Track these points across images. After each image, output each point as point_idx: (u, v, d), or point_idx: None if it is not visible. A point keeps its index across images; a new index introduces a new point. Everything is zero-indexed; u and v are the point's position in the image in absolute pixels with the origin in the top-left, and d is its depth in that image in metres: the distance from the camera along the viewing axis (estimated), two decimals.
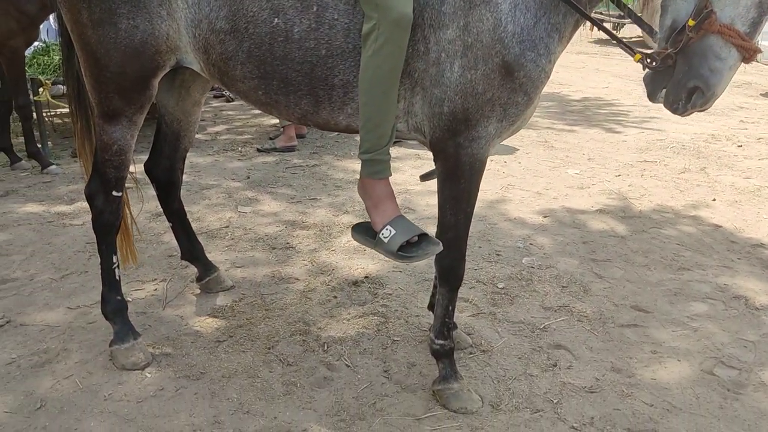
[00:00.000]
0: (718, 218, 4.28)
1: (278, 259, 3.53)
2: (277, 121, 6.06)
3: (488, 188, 4.66)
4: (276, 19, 2.08)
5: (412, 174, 4.94)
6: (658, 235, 3.98)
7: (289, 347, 2.71)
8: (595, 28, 2.10)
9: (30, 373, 2.50)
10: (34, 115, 5.09)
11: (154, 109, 2.78)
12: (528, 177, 5.07)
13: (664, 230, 4.06)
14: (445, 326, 2.39)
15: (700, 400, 2.45)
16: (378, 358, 2.66)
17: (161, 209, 3.02)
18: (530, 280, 3.35)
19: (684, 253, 3.73)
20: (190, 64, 2.33)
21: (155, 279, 3.28)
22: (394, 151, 2.32)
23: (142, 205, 3.47)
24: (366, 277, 3.34)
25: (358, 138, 2.17)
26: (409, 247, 2.12)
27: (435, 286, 2.69)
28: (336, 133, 5.74)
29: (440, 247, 2.13)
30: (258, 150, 5.63)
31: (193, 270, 3.18)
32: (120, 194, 2.54)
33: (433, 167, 2.42)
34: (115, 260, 2.60)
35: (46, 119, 5.51)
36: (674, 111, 1.94)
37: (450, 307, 2.38)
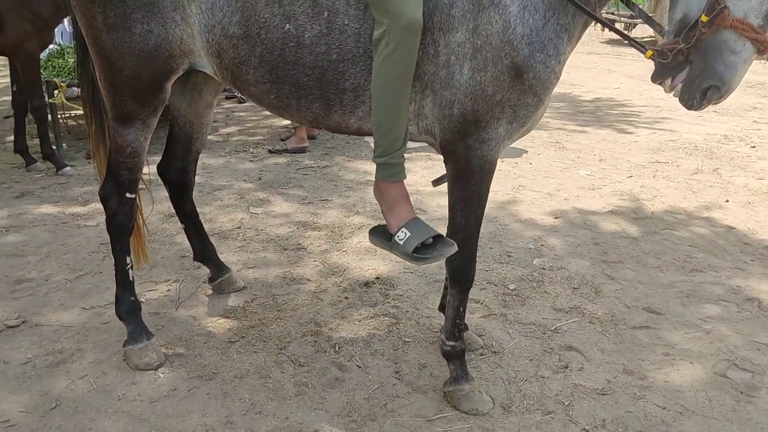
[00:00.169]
0: (731, 220, 4.26)
1: (290, 260, 3.55)
2: (289, 122, 6.08)
3: (499, 189, 4.66)
4: (287, 24, 2.09)
5: (423, 175, 4.95)
6: (671, 236, 3.97)
7: (301, 348, 2.72)
8: (606, 28, 2.10)
9: (45, 373, 2.53)
10: (49, 117, 5.13)
11: (167, 111, 2.80)
12: (539, 178, 5.06)
13: (677, 231, 4.04)
14: (456, 327, 2.39)
15: (713, 403, 2.44)
16: (389, 359, 2.67)
17: (174, 210, 3.04)
18: (541, 281, 3.35)
19: (696, 254, 3.72)
20: (203, 67, 2.35)
21: (168, 280, 3.30)
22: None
23: (153, 206, 3.50)
24: (377, 278, 3.35)
25: (368, 139, 2.18)
26: (424, 249, 2.13)
27: (446, 288, 2.70)
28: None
29: (455, 248, 2.14)
30: (269, 151, 5.66)
31: (205, 271, 3.21)
32: (133, 196, 2.56)
33: (445, 171, 2.43)
34: (128, 261, 2.62)
35: (61, 121, 5.56)
36: (689, 108, 1.98)
37: (461, 309, 2.39)
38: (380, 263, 3.50)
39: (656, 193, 4.73)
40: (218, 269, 3.14)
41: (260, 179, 4.92)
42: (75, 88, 5.24)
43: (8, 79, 5.21)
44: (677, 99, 2.01)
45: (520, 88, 2.03)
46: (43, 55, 5.16)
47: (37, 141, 5.04)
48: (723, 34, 1.83)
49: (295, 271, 3.41)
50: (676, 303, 3.17)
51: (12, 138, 5.12)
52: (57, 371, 2.54)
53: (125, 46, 2.25)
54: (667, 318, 3.03)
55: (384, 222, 2.25)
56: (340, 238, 3.85)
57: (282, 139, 5.89)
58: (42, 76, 4.95)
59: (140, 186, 2.63)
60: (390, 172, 2.17)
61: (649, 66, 2.02)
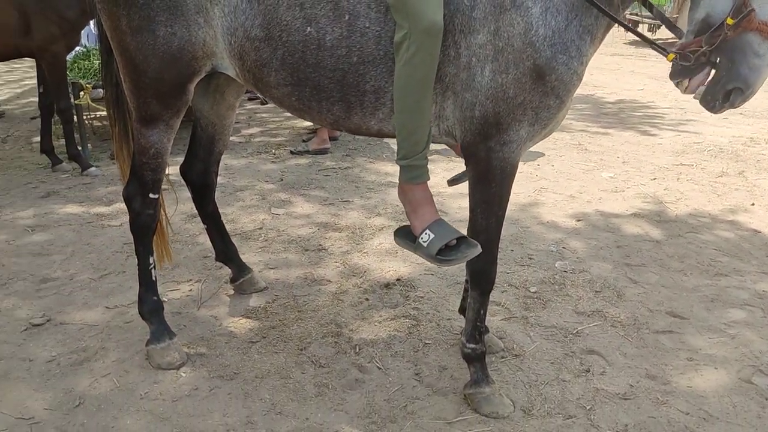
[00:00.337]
0: (756, 223, 4.19)
1: (311, 261, 3.56)
2: (310, 123, 6.10)
3: (521, 191, 4.64)
4: (309, 27, 2.10)
5: (445, 177, 4.90)
6: (695, 239, 3.92)
7: (321, 349, 2.73)
8: (628, 31, 2.09)
9: (69, 371, 2.56)
10: (75, 118, 5.20)
11: (190, 112, 2.83)
12: (561, 180, 5.03)
13: (701, 235, 3.99)
14: (476, 330, 2.39)
15: (738, 409, 2.41)
16: (409, 360, 2.67)
17: (196, 211, 3.07)
18: (563, 284, 3.33)
19: (721, 258, 3.67)
20: (226, 69, 2.37)
21: (190, 280, 3.33)
22: None
23: (176, 206, 3.53)
24: (398, 279, 3.35)
25: (390, 140, 2.19)
26: (448, 251, 2.12)
27: (466, 290, 2.69)
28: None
29: (478, 250, 2.14)
30: (291, 152, 5.68)
31: (227, 271, 3.23)
32: (157, 196, 2.59)
33: (461, 171, 2.43)
34: (151, 261, 2.65)
35: (87, 122, 5.63)
36: (710, 109, 1.96)
37: (481, 311, 2.38)
38: (401, 265, 3.50)
39: (680, 196, 4.68)
40: (240, 270, 3.16)
41: (282, 180, 4.94)
42: (100, 90, 5.30)
43: (35, 81, 5.29)
44: (698, 100, 2.00)
45: (542, 90, 2.02)
46: (69, 57, 5.23)
47: (63, 142, 5.11)
48: (748, 36, 1.82)
49: (316, 272, 3.42)
50: (700, 307, 3.13)
51: (38, 138, 5.19)
52: (81, 369, 2.57)
53: (149, 49, 2.28)
54: (691, 322, 3.00)
55: (408, 223, 2.25)
56: (361, 240, 3.85)
57: (304, 141, 5.92)
58: (68, 78, 5.02)
59: (164, 186, 2.66)
60: (413, 174, 2.17)
61: None
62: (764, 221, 4.22)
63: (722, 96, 1.91)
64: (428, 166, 2.20)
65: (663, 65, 2.04)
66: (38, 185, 4.74)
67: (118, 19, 2.29)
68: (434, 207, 2.22)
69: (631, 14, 12.59)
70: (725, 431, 2.29)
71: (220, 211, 3.10)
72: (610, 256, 3.67)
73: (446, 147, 4.62)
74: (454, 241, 2.14)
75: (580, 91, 2.09)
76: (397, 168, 2.22)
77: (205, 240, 3.43)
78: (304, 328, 2.89)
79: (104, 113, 5.16)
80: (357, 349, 2.73)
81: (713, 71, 1.96)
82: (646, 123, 7.06)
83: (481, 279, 2.32)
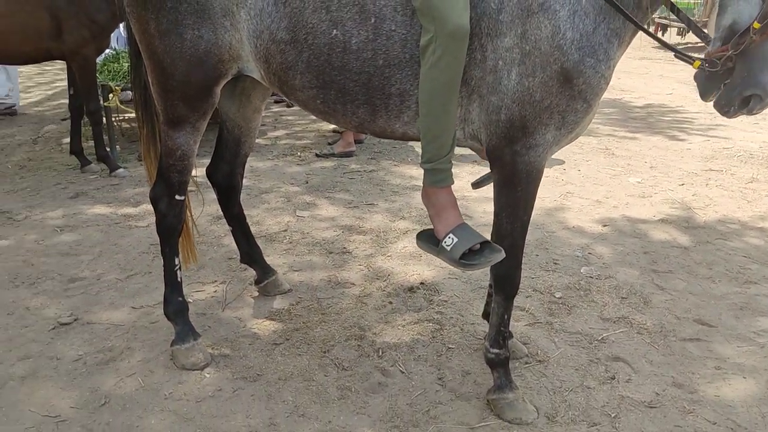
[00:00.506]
0: None
1: (335, 264, 3.57)
2: (336, 126, 6.12)
3: (546, 196, 4.61)
4: (335, 30, 2.11)
5: (469, 180, 4.89)
6: (724, 246, 3.85)
7: (345, 352, 2.73)
8: (652, 38, 2.06)
9: (95, 370, 2.59)
10: (104, 120, 5.27)
11: (217, 114, 2.85)
12: (587, 185, 4.98)
13: (730, 242, 3.92)
14: (500, 335, 2.37)
15: (767, 420, 2.36)
16: (432, 365, 2.66)
17: (222, 213, 3.09)
18: (588, 290, 3.29)
19: (750, 265, 3.60)
20: (251, 72, 2.38)
21: (215, 281, 3.35)
22: None
23: (203, 207, 3.55)
24: (422, 283, 3.34)
25: (415, 144, 2.19)
26: (471, 255, 2.12)
27: (490, 295, 2.68)
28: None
29: (502, 255, 2.13)
30: (316, 155, 5.70)
31: (251, 273, 3.24)
32: (183, 198, 2.61)
33: (485, 173, 2.42)
34: (177, 262, 2.67)
35: (115, 124, 5.70)
36: (724, 114, 1.92)
37: (505, 316, 2.36)
38: (425, 268, 3.49)
39: (709, 202, 4.60)
40: (264, 272, 3.18)
41: (307, 183, 4.96)
42: (129, 92, 5.37)
43: (66, 83, 5.37)
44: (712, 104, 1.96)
45: (569, 94, 2.01)
46: (99, 60, 5.30)
47: (92, 143, 5.18)
48: None
49: (339, 275, 3.43)
50: (728, 315, 3.08)
51: (68, 140, 5.27)
52: (107, 369, 2.60)
53: (176, 52, 2.30)
54: (719, 330, 2.95)
55: (431, 227, 2.25)
56: (386, 243, 3.85)
57: (329, 143, 5.93)
58: (97, 80, 5.09)
59: (190, 188, 2.68)
60: (437, 177, 2.16)
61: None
62: None
63: (739, 102, 1.86)
64: (452, 170, 2.19)
65: (692, 69, 2.00)
66: (67, 186, 4.81)
67: (147, 23, 2.32)
68: (458, 211, 2.21)
69: (660, 18, 12.46)
70: None
71: (246, 213, 3.12)
72: (637, 262, 3.62)
73: (471, 151, 4.57)
74: (478, 246, 2.12)
75: (607, 95, 2.06)
76: (422, 171, 2.21)
77: (230, 242, 3.46)
78: (328, 330, 2.89)
79: (133, 115, 5.23)
80: (380, 353, 2.73)
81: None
82: (675, 127, 6.97)
83: (505, 284, 2.31)
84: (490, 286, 2.62)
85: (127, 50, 5.11)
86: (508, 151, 2.11)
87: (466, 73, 2.05)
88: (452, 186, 2.21)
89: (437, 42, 1.93)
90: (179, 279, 2.68)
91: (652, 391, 2.50)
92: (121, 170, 5.06)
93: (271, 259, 3.42)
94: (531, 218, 2.26)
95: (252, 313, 3.05)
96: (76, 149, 5.15)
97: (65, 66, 5.16)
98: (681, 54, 2.03)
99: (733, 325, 2.99)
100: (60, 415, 2.33)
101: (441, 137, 2.09)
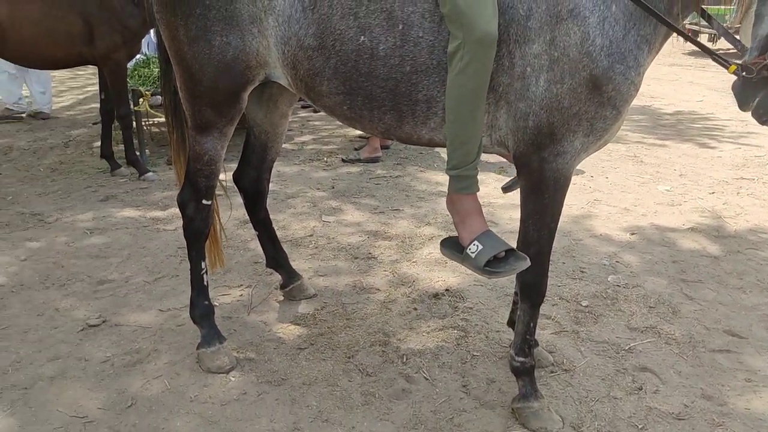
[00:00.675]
0: None
1: (360, 269, 3.57)
2: (362, 132, 6.13)
3: (573, 203, 4.56)
4: (362, 36, 2.11)
5: (495, 187, 4.89)
6: (755, 256, 3.78)
7: (369, 357, 2.73)
8: (687, 41, 2.03)
9: (122, 372, 2.62)
10: (134, 124, 5.34)
11: (244, 119, 2.88)
12: (615, 192, 4.93)
13: (761, 252, 3.85)
14: (526, 343, 2.35)
15: None
16: (457, 372, 2.65)
17: (248, 217, 3.11)
18: (616, 298, 3.25)
19: None
20: (278, 78, 2.40)
21: (241, 285, 3.38)
22: None
23: (231, 212, 3.58)
24: (447, 290, 3.33)
25: (441, 150, 2.18)
26: (496, 263, 2.10)
27: (515, 302, 2.66)
28: None
29: (528, 263, 2.11)
30: (343, 160, 5.72)
31: (277, 277, 3.26)
32: (210, 203, 2.64)
33: (514, 177, 2.41)
34: (203, 266, 2.70)
35: (145, 128, 5.78)
36: (763, 123, 1.90)
37: (531, 324, 2.34)
38: (450, 275, 3.48)
39: (740, 211, 4.52)
40: (290, 276, 3.19)
41: (333, 188, 4.98)
42: (159, 97, 5.44)
43: (97, 88, 5.46)
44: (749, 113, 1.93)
45: (598, 101, 1.99)
46: (129, 65, 5.38)
47: (122, 147, 5.26)
48: None
49: (365, 281, 3.43)
50: (759, 326, 3.02)
51: (99, 143, 5.35)
52: (134, 371, 2.63)
53: (205, 58, 2.33)
54: (750, 342, 2.89)
55: (456, 233, 2.24)
56: (411, 249, 3.84)
57: (355, 149, 5.95)
58: (128, 85, 5.17)
59: (218, 192, 2.71)
60: (463, 184, 2.15)
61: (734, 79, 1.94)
62: None
63: None
64: (478, 177, 2.18)
65: (723, 76, 1.98)
66: (97, 189, 4.88)
67: (176, 29, 2.35)
68: (483, 218, 2.20)
69: (690, 24, 12.29)
70: None
71: (272, 217, 3.14)
72: (666, 271, 3.57)
73: (499, 159, 4.54)
74: (503, 253, 2.11)
75: (636, 101, 2.04)
76: (448, 177, 2.21)
77: (256, 246, 3.48)
78: (352, 336, 2.89)
79: (162, 120, 5.31)
80: (404, 359, 2.72)
81: None
82: (705, 135, 6.87)
83: (531, 291, 2.29)
84: (516, 293, 2.60)
85: (157, 56, 5.20)
86: (536, 158, 2.09)
87: (493, 79, 2.04)
88: (478, 192, 2.20)
89: (465, 48, 1.93)
90: (206, 283, 2.71)
91: (681, 403, 2.46)
92: (150, 174, 5.13)
93: (296, 263, 3.43)
94: (558, 225, 2.24)
95: (277, 318, 3.06)
96: (106, 153, 5.23)
97: (97, 71, 5.25)
98: (718, 57, 2.00)
99: (764, 336, 2.93)
100: (87, 415, 2.36)
101: (467, 144, 2.08)
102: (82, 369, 2.64)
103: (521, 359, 2.36)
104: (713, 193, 4.93)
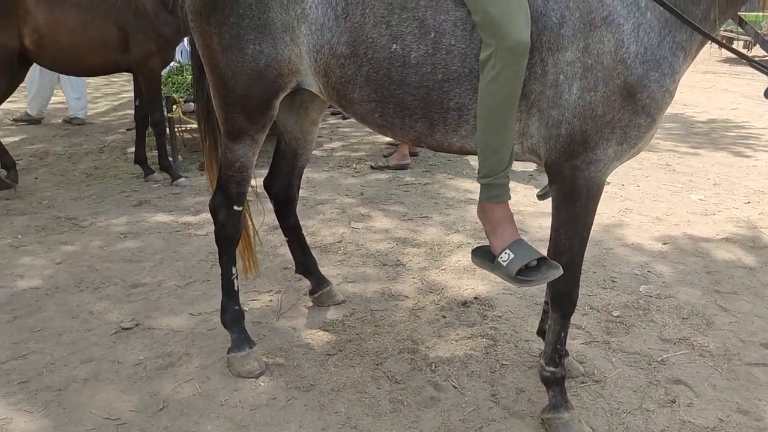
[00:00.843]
0: None
1: (388, 276, 3.57)
2: (391, 139, 6.14)
3: (604, 211, 4.51)
4: (394, 44, 2.12)
5: (525, 195, 4.87)
6: None
7: (397, 365, 2.73)
8: (724, 49, 2.01)
9: (155, 375, 2.65)
10: (167, 130, 5.42)
11: (274, 125, 2.90)
12: (647, 201, 4.86)
13: None
14: (556, 353, 2.33)
15: None
16: (486, 381, 2.63)
17: (278, 223, 3.14)
18: (648, 309, 3.21)
19: None
20: (310, 86, 2.41)
21: (271, 290, 3.40)
22: None
23: (263, 218, 3.61)
24: (475, 298, 3.31)
25: (470, 157, 2.18)
26: (528, 271, 2.09)
27: (545, 311, 2.64)
28: None
29: (560, 272, 2.10)
30: (372, 167, 5.74)
31: (306, 283, 3.28)
32: (241, 209, 2.66)
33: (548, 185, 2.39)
34: (234, 271, 2.72)
35: (177, 134, 5.86)
36: None
37: (562, 334, 2.32)
38: (479, 283, 3.47)
39: None
40: (319, 282, 3.21)
41: (362, 194, 4.99)
42: (191, 103, 5.52)
43: (131, 94, 5.55)
44: None
45: (632, 108, 1.97)
46: (163, 72, 5.46)
47: (155, 152, 5.34)
48: None
49: (393, 287, 3.43)
50: None
51: (133, 149, 5.44)
52: (165, 374, 2.66)
53: (238, 66, 2.35)
54: None
55: (487, 242, 2.23)
56: (439, 256, 3.84)
57: (384, 156, 5.96)
58: (162, 92, 5.25)
59: (250, 198, 2.73)
60: (494, 192, 2.15)
61: None
62: None
63: None
64: (509, 185, 2.17)
65: (759, 84, 1.95)
66: (131, 194, 4.96)
67: (210, 38, 2.38)
68: (514, 226, 2.19)
69: (725, 31, 12.11)
70: None
71: (301, 223, 3.15)
72: (699, 282, 3.52)
73: (526, 167, 4.49)
74: (535, 262, 2.10)
75: (668, 109, 2.01)
76: (477, 185, 2.20)
77: (285, 251, 3.50)
78: (381, 343, 2.89)
79: (194, 126, 5.38)
80: (433, 367, 2.71)
81: None
82: (740, 143, 6.75)
83: (562, 301, 2.27)
84: (546, 302, 2.58)
85: (190, 63, 5.27)
86: (568, 166, 2.08)
87: (525, 87, 2.03)
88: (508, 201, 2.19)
89: (497, 57, 1.93)
90: (236, 288, 2.73)
91: (716, 417, 2.42)
92: (182, 179, 5.19)
93: (325, 269, 3.44)
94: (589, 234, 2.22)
95: (306, 323, 3.07)
96: (140, 158, 5.31)
97: (131, 78, 5.34)
98: (758, 64, 1.97)
99: None
100: (120, 417, 2.39)
101: (499, 152, 2.07)
102: (115, 371, 2.68)
103: (552, 369, 2.33)
104: (749, 202, 4.84)
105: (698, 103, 9.17)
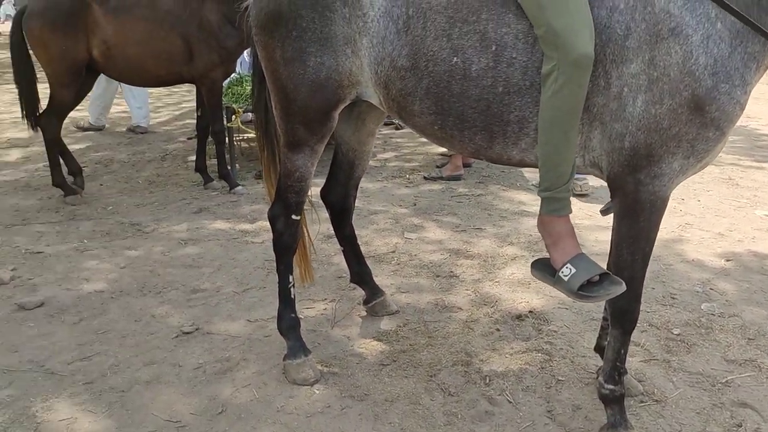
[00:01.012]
0: None
1: (442, 287, 3.57)
2: (445, 149, 6.14)
3: (663, 226, 4.34)
4: (455, 57, 2.13)
5: (581, 208, 4.79)
6: None
7: (451, 377, 2.72)
8: None
9: (213, 379, 2.71)
10: (227, 139, 5.54)
11: (332, 136, 2.93)
12: (708, 216, 4.73)
13: None
14: (615, 370, 2.29)
15: None
16: (541, 396, 2.60)
17: (333, 232, 3.17)
18: (710, 328, 3.12)
19: None
20: (369, 97, 2.44)
21: (325, 299, 3.43)
22: None
23: (319, 226, 3.65)
24: (530, 311, 3.27)
25: (524, 169, 2.16)
26: (590, 287, 2.06)
27: (603, 327, 2.60)
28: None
29: (623, 288, 2.06)
30: (425, 178, 5.74)
31: (360, 292, 3.30)
32: (298, 218, 2.70)
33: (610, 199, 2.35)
34: (291, 280, 2.76)
35: (236, 144, 5.98)
36: None
37: (622, 351, 2.28)
38: (533, 296, 3.43)
39: None
40: (373, 292, 3.22)
41: (415, 205, 5.00)
42: (249, 113, 5.62)
43: (193, 104, 5.69)
44: None
45: (700, 121, 1.93)
46: (224, 83, 5.59)
47: (214, 161, 5.46)
48: None
49: (446, 299, 3.42)
50: None
51: (194, 157, 5.57)
52: (224, 378, 2.71)
53: (299, 78, 2.40)
54: None
55: (544, 254, 2.21)
56: (493, 268, 3.81)
57: (437, 166, 5.96)
58: (222, 103, 5.37)
59: (306, 207, 2.77)
60: (555, 206, 2.13)
61: None
62: None
63: None
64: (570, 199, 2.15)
65: None
66: (192, 201, 5.08)
67: (273, 51, 2.43)
68: (576, 240, 2.17)
69: None
70: None
71: (356, 232, 3.18)
72: (765, 301, 3.40)
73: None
74: (597, 277, 2.07)
75: None
76: (531, 196, 2.18)
77: (340, 260, 3.53)
78: (434, 354, 2.89)
79: (251, 135, 5.48)
80: (487, 380, 2.69)
81: None
82: None
83: (623, 317, 2.23)
84: (605, 318, 2.54)
85: (250, 74, 5.37)
86: (631, 179, 2.04)
87: (588, 99, 2.01)
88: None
89: (560, 70, 1.91)
90: (292, 296, 2.77)
91: None
92: (239, 188, 5.29)
93: (378, 279, 3.45)
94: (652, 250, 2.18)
95: (360, 333, 3.09)
96: (200, 167, 5.43)
97: (192, 88, 5.47)
98: None
99: None
100: (180, 420, 2.44)
101: (560, 165, 2.06)
102: (176, 375, 2.74)
103: (610, 387, 2.29)
104: None
105: (763, 115, 8.88)
